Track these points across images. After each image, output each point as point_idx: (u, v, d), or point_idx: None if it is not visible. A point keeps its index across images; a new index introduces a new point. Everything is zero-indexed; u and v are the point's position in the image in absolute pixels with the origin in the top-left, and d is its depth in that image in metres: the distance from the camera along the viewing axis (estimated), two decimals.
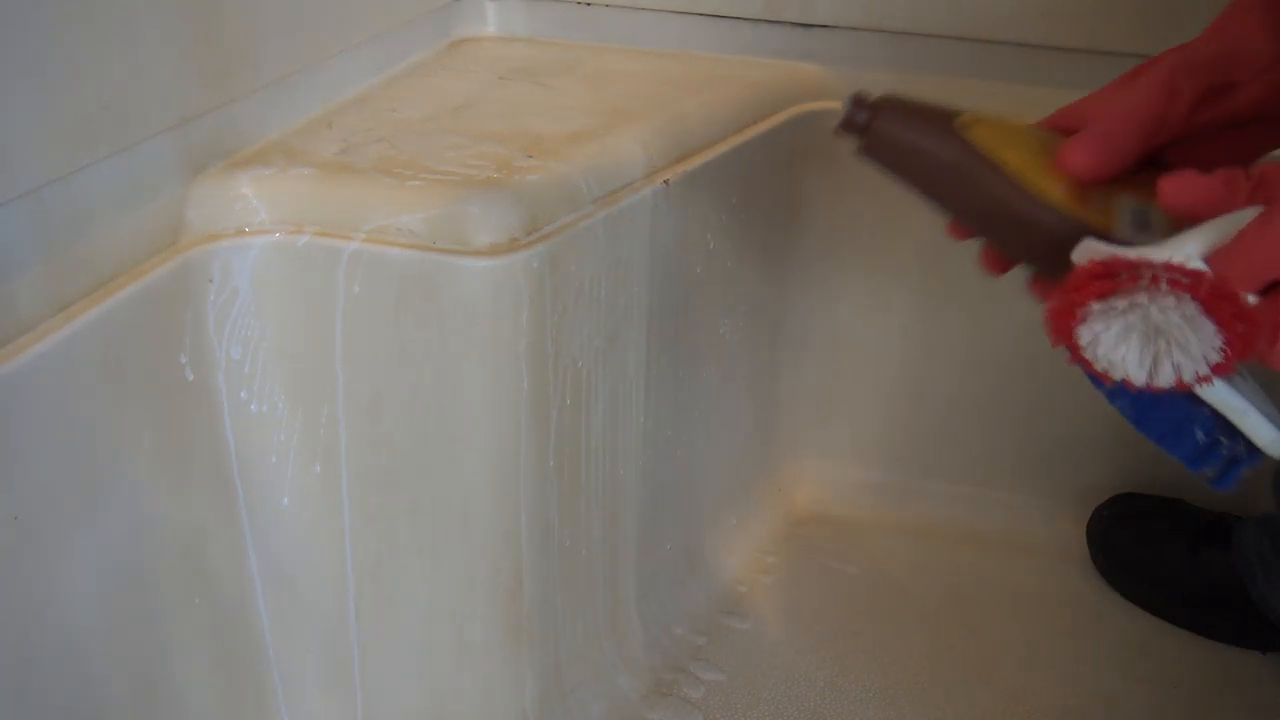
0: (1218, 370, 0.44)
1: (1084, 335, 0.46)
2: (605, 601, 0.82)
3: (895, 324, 0.99)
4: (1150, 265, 0.44)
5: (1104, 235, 0.46)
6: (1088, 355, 0.46)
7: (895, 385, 1.02)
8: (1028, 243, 0.49)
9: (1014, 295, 0.88)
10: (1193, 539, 0.91)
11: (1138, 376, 0.45)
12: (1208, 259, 0.43)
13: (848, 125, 0.53)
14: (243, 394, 0.66)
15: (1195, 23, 0.85)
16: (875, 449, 1.04)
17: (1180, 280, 0.43)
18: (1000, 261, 0.54)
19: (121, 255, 0.59)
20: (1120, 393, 0.48)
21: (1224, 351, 0.43)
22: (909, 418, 1.03)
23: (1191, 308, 0.43)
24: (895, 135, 0.52)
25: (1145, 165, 0.50)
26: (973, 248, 0.93)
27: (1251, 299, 0.43)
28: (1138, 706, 0.84)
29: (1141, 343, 0.45)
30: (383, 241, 0.64)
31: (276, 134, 0.71)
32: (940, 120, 0.52)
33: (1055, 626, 0.91)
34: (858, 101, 0.53)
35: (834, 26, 0.92)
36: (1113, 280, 0.44)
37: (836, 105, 0.92)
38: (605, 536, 0.79)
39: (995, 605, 0.94)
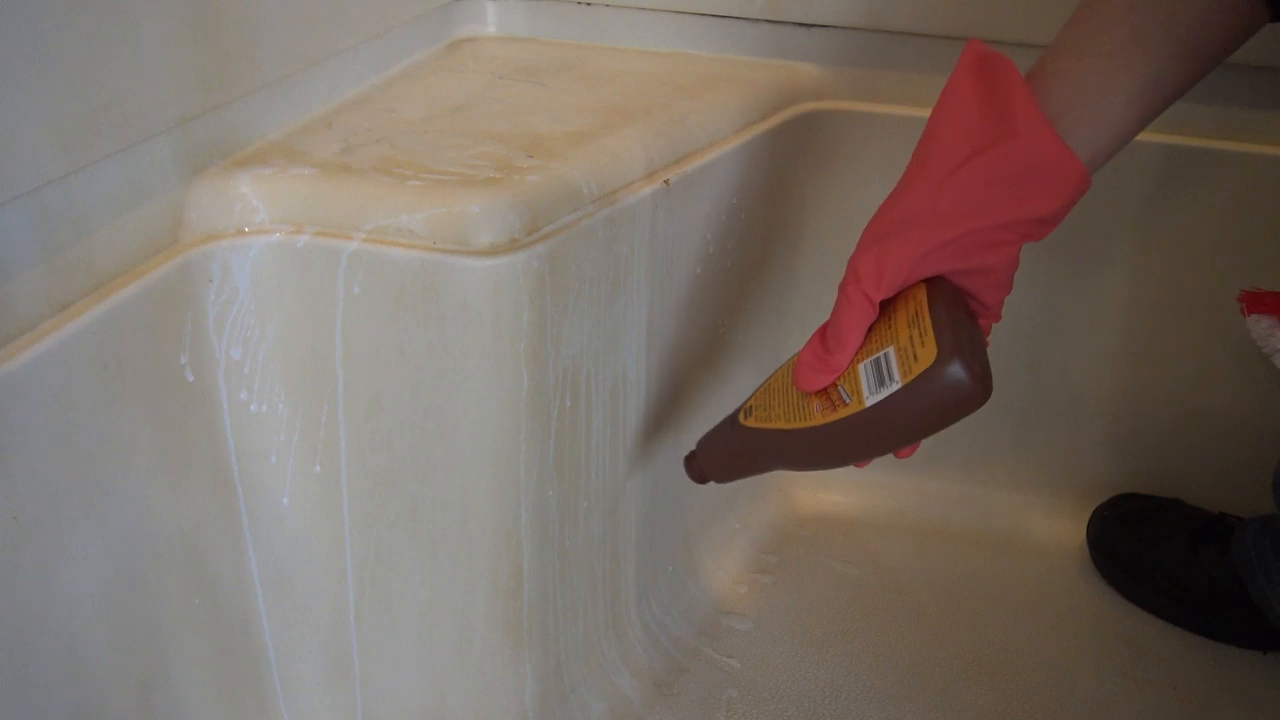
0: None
1: None
2: (605, 601, 0.82)
3: None
4: None
5: (860, 411, 0.54)
6: None
7: None
8: (841, 453, 0.57)
9: (1014, 296, 0.89)
10: (1193, 539, 0.91)
11: None
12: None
13: (696, 479, 0.68)
14: (243, 394, 0.66)
15: None
16: None
17: None
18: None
19: (121, 255, 0.59)
20: None
21: None
22: None
23: None
24: (717, 465, 0.65)
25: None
26: None
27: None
28: (1138, 707, 0.84)
29: None
30: (383, 241, 0.64)
31: (276, 134, 0.71)
32: (731, 428, 0.64)
33: (1055, 626, 0.92)
34: (686, 461, 0.68)
35: (834, 26, 0.92)
36: None
37: (836, 105, 0.92)
38: (605, 536, 0.79)
39: (995, 605, 0.94)
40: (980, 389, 0.52)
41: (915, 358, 0.52)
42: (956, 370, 0.51)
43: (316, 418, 0.68)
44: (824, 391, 0.57)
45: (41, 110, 0.51)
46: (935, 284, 0.54)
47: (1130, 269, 0.93)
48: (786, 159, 0.91)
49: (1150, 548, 0.93)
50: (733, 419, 0.64)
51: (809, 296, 0.99)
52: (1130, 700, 0.85)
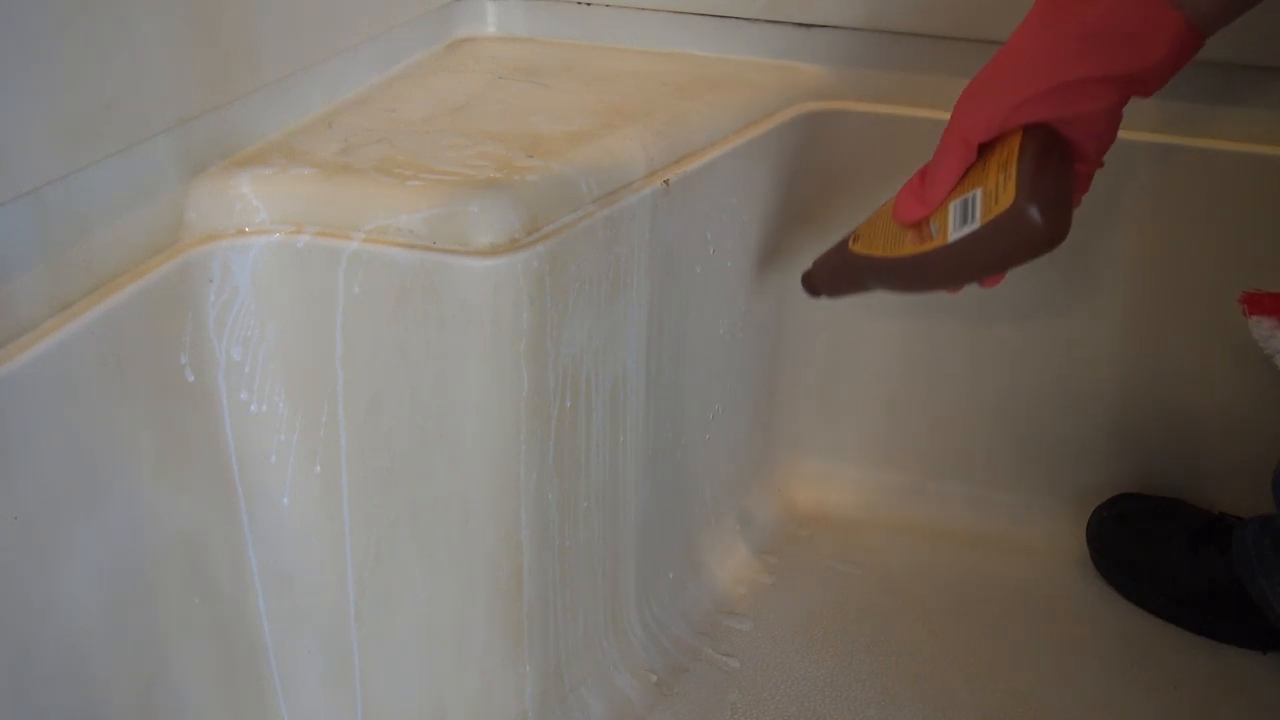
0: None
1: None
2: (605, 601, 0.82)
3: (895, 324, 0.99)
4: None
5: (943, 246, 0.59)
6: None
7: (895, 385, 1.02)
8: (928, 282, 0.63)
9: (1014, 296, 0.89)
10: (1192, 539, 0.91)
11: None
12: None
13: (810, 293, 0.77)
14: (243, 394, 0.66)
15: None
16: (875, 449, 1.04)
17: None
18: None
19: (121, 255, 0.59)
20: None
21: None
22: (909, 418, 1.03)
23: None
24: (827, 283, 0.74)
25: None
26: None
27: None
28: (1138, 706, 0.84)
29: None
30: (383, 241, 0.64)
31: (276, 134, 0.71)
32: (841, 251, 0.71)
33: (1055, 626, 0.91)
34: (803, 278, 0.77)
35: (834, 26, 0.92)
36: None
37: (837, 105, 0.92)
38: (605, 536, 0.79)
39: (995, 605, 0.94)
40: (1050, 233, 0.54)
41: (996, 200, 0.55)
42: (1031, 213, 0.54)
43: (316, 418, 0.68)
44: (917, 225, 0.61)
45: (41, 110, 0.51)
46: (1031, 131, 0.56)
47: (1131, 269, 0.93)
48: (787, 159, 0.91)
49: (1150, 548, 0.93)
50: (843, 243, 0.70)
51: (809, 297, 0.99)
52: (1130, 700, 0.85)
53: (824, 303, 0.99)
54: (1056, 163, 0.56)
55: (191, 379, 0.63)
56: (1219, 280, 0.91)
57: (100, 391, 0.56)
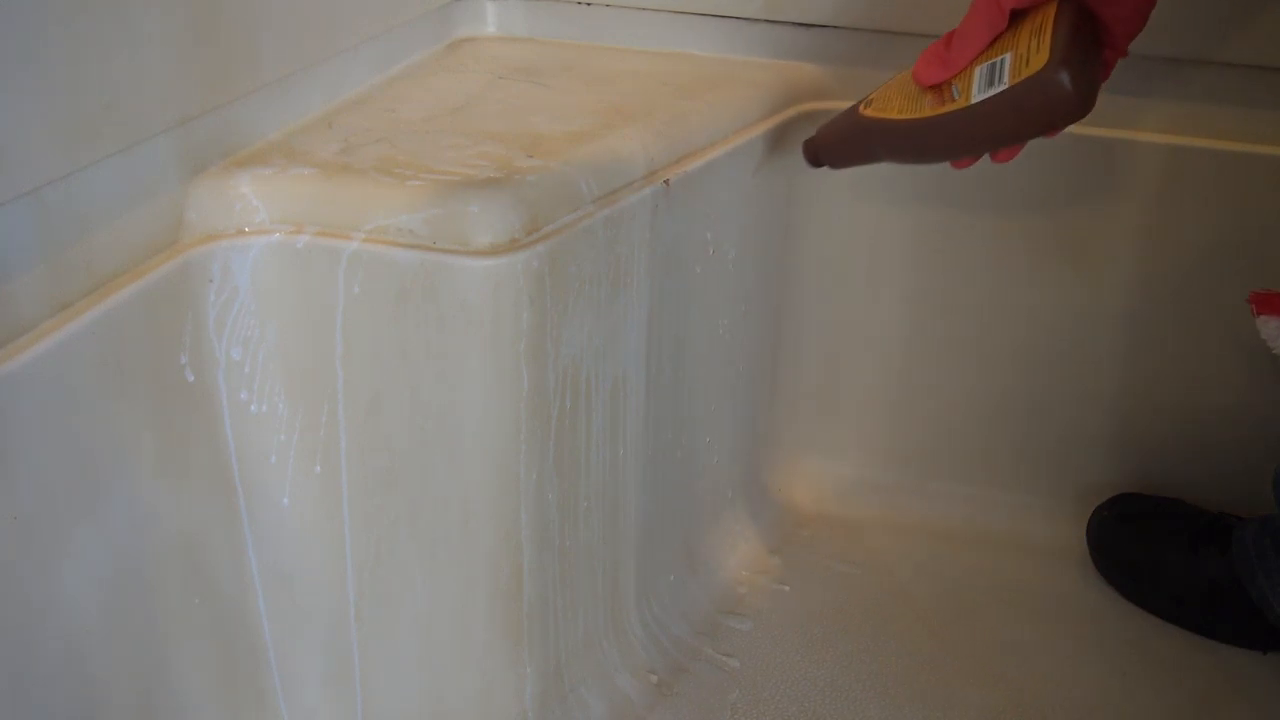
0: None
1: None
2: (605, 601, 0.82)
3: (895, 324, 0.99)
4: None
5: (966, 107, 0.58)
6: None
7: (895, 385, 1.02)
8: (943, 147, 0.62)
9: (1014, 296, 0.88)
10: (1193, 539, 0.91)
11: None
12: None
13: (811, 162, 0.75)
14: (243, 394, 0.66)
15: (1190, 22, 0.86)
16: (875, 449, 1.04)
17: None
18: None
19: (121, 255, 0.59)
20: None
21: None
22: (909, 418, 1.03)
23: None
24: (832, 150, 0.71)
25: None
26: (970, 246, 0.93)
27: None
28: (1138, 707, 0.84)
29: None
30: (383, 241, 0.64)
31: (276, 134, 0.71)
32: (851, 115, 0.69)
33: (1055, 626, 0.91)
34: (805, 145, 0.74)
35: (834, 26, 0.92)
36: None
37: (836, 105, 0.92)
38: (605, 536, 0.79)
39: (996, 605, 0.94)
40: (1079, 100, 0.54)
41: (1027, 63, 0.55)
42: (1062, 77, 0.54)
43: (316, 418, 0.68)
44: (938, 88, 0.61)
45: (41, 110, 0.51)
46: (1067, 3, 0.57)
47: (1130, 269, 0.93)
48: (786, 159, 0.91)
49: (1150, 548, 0.93)
50: (853, 108, 0.69)
51: (809, 296, 0.99)
52: (1130, 700, 0.85)
53: (824, 302, 0.99)
54: (1090, 37, 0.57)
55: (191, 379, 0.63)
56: (1220, 280, 0.91)
57: (100, 392, 0.56)
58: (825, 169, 0.75)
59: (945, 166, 0.67)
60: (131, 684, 0.61)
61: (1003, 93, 0.56)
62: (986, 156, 0.64)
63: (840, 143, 0.70)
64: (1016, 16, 0.59)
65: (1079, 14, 0.57)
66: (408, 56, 0.88)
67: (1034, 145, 0.92)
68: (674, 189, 0.76)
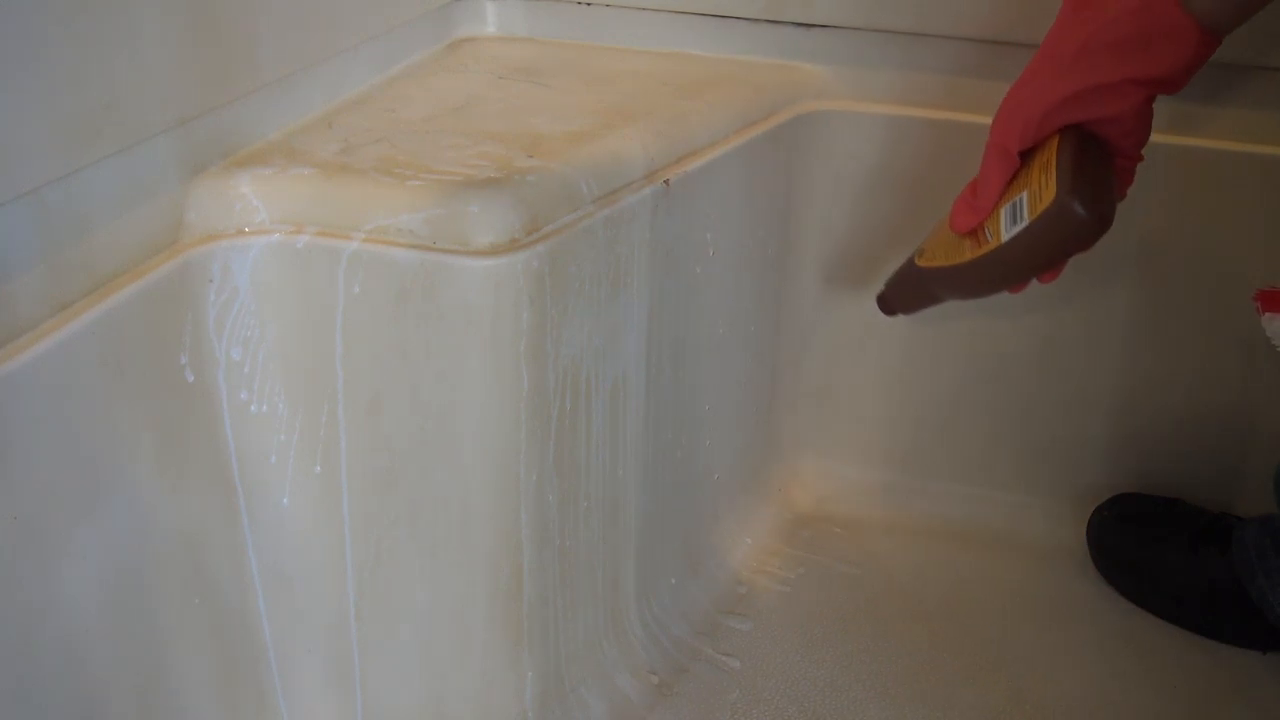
0: None
1: None
2: (605, 601, 0.82)
3: (895, 324, 0.99)
4: None
5: (999, 247, 0.63)
6: None
7: (896, 385, 1.02)
8: (992, 282, 0.66)
9: (1016, 296, 0.89)
10: (1193, 539, 0.91)
11: None
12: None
13: (886, 312, 0.79)
14: (243, 394, 0.66)
15: None
16: (875, 449, 1.04)
17: None
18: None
19: (121, 255, 0.59)
20: None
21: None
22: (909, 418, 1.03)
23: None
24: (901, 300, 0.77)
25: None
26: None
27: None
28: (1138, 707, 0.84)
29: None
30: (383, 241, 0.64)
31: (276, 134, 0.71)
32: (908, 268, 0.74)
33: (1055, 626, 0.91)
34: (878, 299, 0.78)
35: (834, 26, 0.92)
36: None
37: (836, 105, 0.92)
38: (605, 536, 0.79)
39: (995, 605, 0.94)
40: (1095, 220, 0.58)
41: (1040, 199, 0.59)
42: (1071, 206, 0.57)
43: (316, 418, 0.68)
44: (973, 233, 0.65)
45: (41, 110, 0.51)
46: (1068, 133, 0.60)
47: (1131, 269, 0.93)
48: (786, 159, 0.91)
49: (1150, 548, 0.93)
50: (909, 260, 0.74)
51: (809, 296, 0.99)
52: (1130, 700, 0.85)
53: (824, 302, 0.99)
54: (1095, 158, 0.60)
55: (191, 379, 0.63)
56: (1220, 280, 0.91)
57: (100, 391, 0.56)
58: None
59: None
60: (131, 684, 0.61)
61: (1026, 229, 0.60)
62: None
63: (905, 294, 0.76)
64: (1025, 155, 0.62)
65: (1080, 139, 0.60)
66: (408, 56, 0.88)
67: None
68: (674, 189, 0.76)
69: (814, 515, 1.03)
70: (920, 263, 0.73)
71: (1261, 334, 0.83)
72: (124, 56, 0.56)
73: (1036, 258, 0.62)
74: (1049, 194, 0.59)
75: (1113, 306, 0.95)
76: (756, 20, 0.93)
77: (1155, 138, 0.89)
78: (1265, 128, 0.88)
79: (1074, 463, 1.01)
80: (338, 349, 0.66)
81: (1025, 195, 0.61)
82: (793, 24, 0.93)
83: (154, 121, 0.59)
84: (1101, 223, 0.58)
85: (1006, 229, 0.62)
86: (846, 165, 0.94)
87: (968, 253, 0.66)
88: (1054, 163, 0.59)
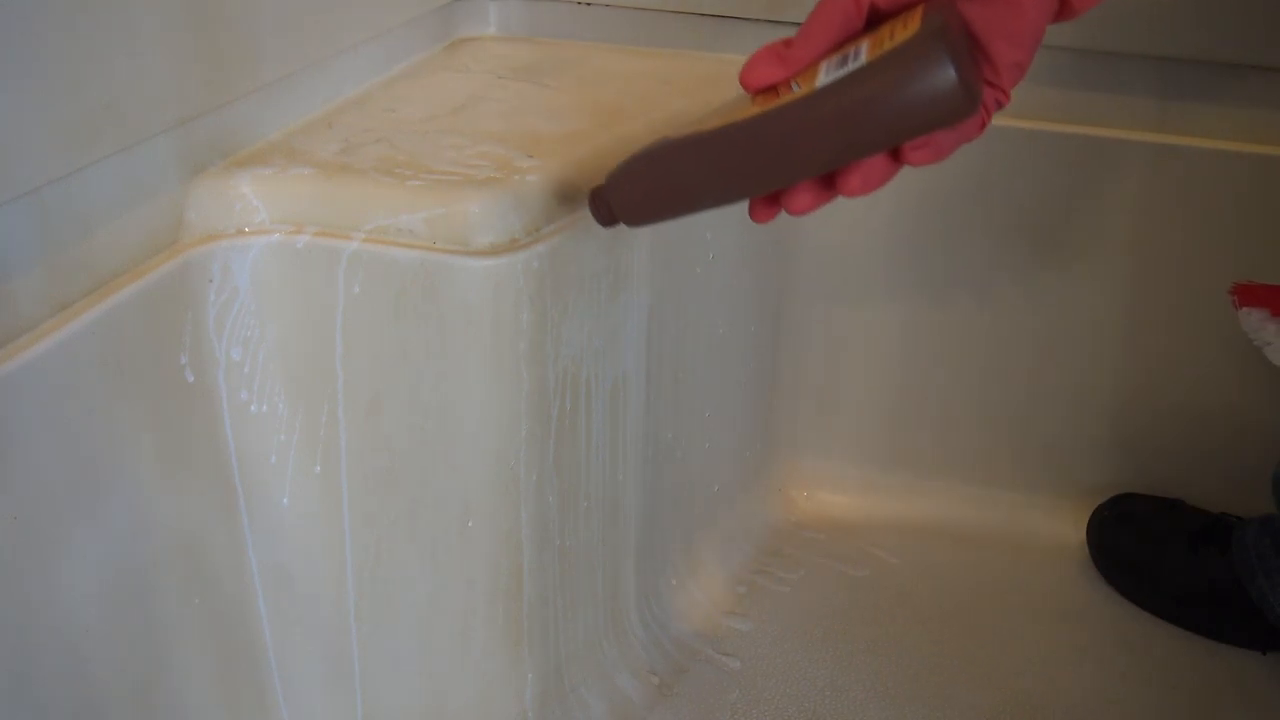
0: None
1: None
2: (605, 601, 0.82)
3: (895, 324, 0.99)
4: None
5: (809, 94, 0.46)
6: None
7: (895, 385, 1.02)
8: (777, 153, 0.47)
9: (1014, 295, 0.88)
10: (1193, 539, 0.91)
11: None
12: None
13: (602, 220, 0.55)
14: (243, 394, 0.66)
15: (1189, 22, 0.86)
16: (875, 449, 1.04)
17: None
18: (765, 208, 0.52)
19: (121, 255, 0.59)
20: None
21: None
22: (909, 418, 1.03)
23: None
24: (630, 198, 0.53)
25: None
26: (971, 246, 0.93)
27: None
28: (1138, 706, 0.84)
29: None
30: (383, 241, 0.64)
31: (276, 134, 0.71)
32: (647, 149, 0.52)
33: (1055, 626, 0.91)
34: (592, 200, 0.55)
35: None
36: None
37: None
38: (605, 536, 0.79)
39: (995, 605, 0.94)
40: (959, 84, 0.42)
41: (890, 40, 0.44)
42: (935, 44, 0.41)
43: (316, 418, 0.68)
44: (774, 89, 0.48)
45: (41, 110, 0.51)
46: (937, 5, 0.45)
47: (1131, 269, 0.93)
48: None
49: (1150, 548, 0.93)
50: (655, 142, 0.52)
51: (809, 296, 0.99)
52: (1130, 700, 0.85)
53: (824, 302, 0.99)
54: (966, 40, 0.45)
55: (191, 379, 0.63)
56: (1219, 280, 0.91)
57: (100, 391, 0.56)
58: (620, 226, 0.56)
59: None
60: (131, 684, 0.61)
61: (857, 71, 0.43)
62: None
63: (637, 186, 0.52)
64: (875, 19, 0.48)
65: (959, 18, 0.45)
66: (408, 56, 0.88)
67: (1036, 146, 0.93)
68: None
69: (814, 515, 1.03)
70: (675, 136, 0.51)
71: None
72: (124, 56, 0.56)
73: (868, 115, 0.43)
74: (905, 35, 0.43)
75: (1113, 307, 0.95)
76: (757, 20, 0.93)
77: (1153, 137, 0.90)
78: (1266, 128, 0.88)
79: (1074, 463, 1.01)
80: (338, 349, 0.66)
81: (866, 45, 0.45)
82: (793, 24, 0.92)
83: (154, 122, 0.59)
84: (969, 91, 0.42)
85: (826, 76, 0.45)
86: None
87: (755, 108, 0.48)
88: (918, 16, 0.44)
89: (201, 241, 0.63)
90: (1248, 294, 0.82)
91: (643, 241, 0.74)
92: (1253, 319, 0.81)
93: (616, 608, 0.83)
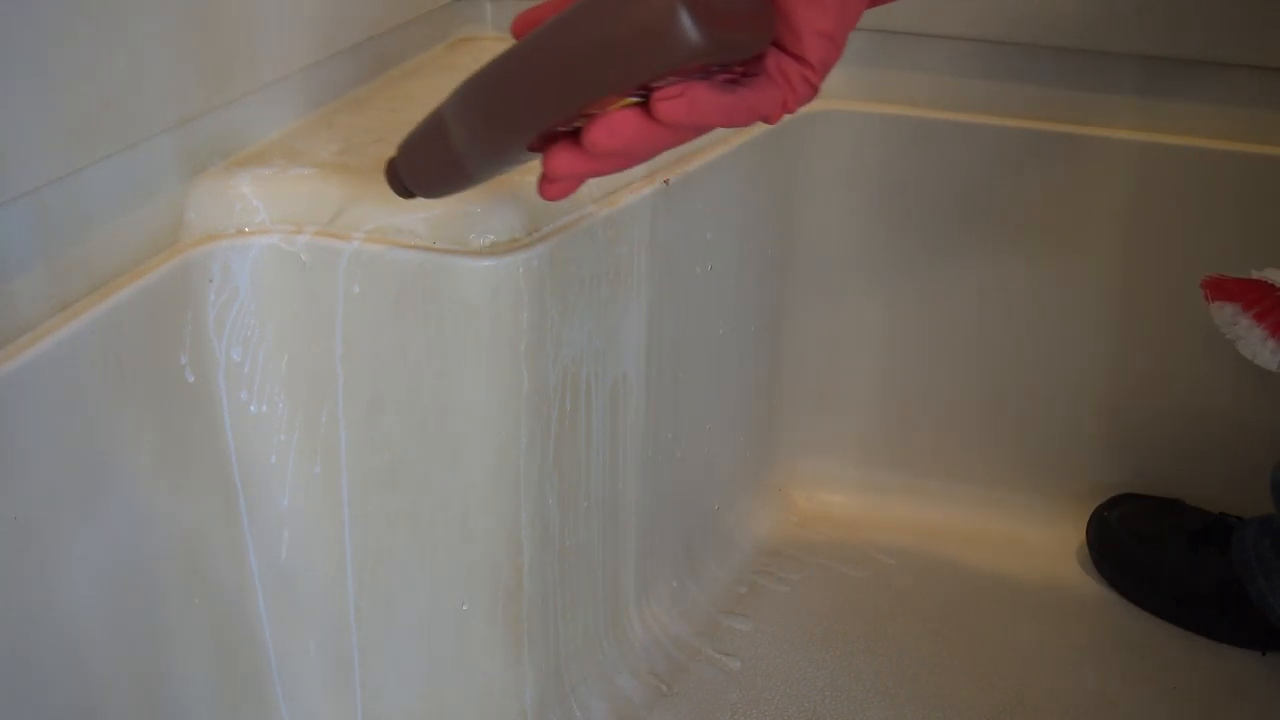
0: None
1: None
2: (605, 601, 0.82)
3: (895, 324, 0.99)
4: None
5: (534, 33, 0.42)
6: None
7: (895, 385, 1.02)
8: (529, 93, 0.42)
9: (1014, 296, 0.88)
10: (1193, 539, 0.91)
11: None
12: None
13: (400, 191, 0.51)
14: (243, 394, 0.66)
15: (1195, 23, 0.86)
16: (875, 449, 1.04)
17: None
18: (546, 183, 0.46)
19: (121, 255, 0.59)
20: None
21: None
22: (909, 417, 1.03)
23: None
24: (423, 169, 0.49)
25: None
26: (970, 246, 0.93)
27: None
28: (1138, 707, 0.84)
29: None
30: (383, 241, 0.64)
31: (276, 134, 0.71)
32: (433, 113, 0.48)
33: (1055, 626, 0.91)
34: (388, 171, 0.51)
35: None
36: None
37: (837, 105, 0.92)
38: (605, 536, 0.79)
39: (995, 605, 0.94)
40: (685, 11, 0.36)
41: None
42: None
43: (316, 418, 0.68)
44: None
45: (41, 110, 0.51)
46: None
47: (1130, 269, 0.93)
48: (786, 159, 0.90)
49: (1150, 548, 0.93)
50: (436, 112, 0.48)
51: (809, 296, 0.99)
52: (1130, 700, 0.85)
53: (824, 301, 0.99)
54: None
55: (191, 379, 0.63)
56: None
57: (100, 391, 0.56)
58: (419, 200, 0.52)
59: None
60: (131, 684, 0.61)
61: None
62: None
63: (418, 151, 0.49)
64: None
65: None
66: (408, 56, 0.88)
67: (1035, 145, 0.92)
68: (674, 189, 0.76)
69: (814, 515, 1.03)
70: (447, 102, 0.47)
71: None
72: (124, 56, 0.56)
73: (585, 43, 0.39)
74: None
75: (1113, 307, 0.95)
76: None
77: (1152, 137, 0.90)
78: (1252, 125, 0.88)
79: (1074, 463, 1.01)
80: (338, 349, 0.66)
81: None
82: None
83: (154, 121, 0.59)
84: (696, 24, 0.36)
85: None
86: (846, 165, 0.94)
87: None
88: None
89: (201, 241, 0.63)
90: (1218, 288, 0.80)
91: (643, 241, 0.74)
92: (1224, 313, 0.80)
93: (616, 608, 0.83)
